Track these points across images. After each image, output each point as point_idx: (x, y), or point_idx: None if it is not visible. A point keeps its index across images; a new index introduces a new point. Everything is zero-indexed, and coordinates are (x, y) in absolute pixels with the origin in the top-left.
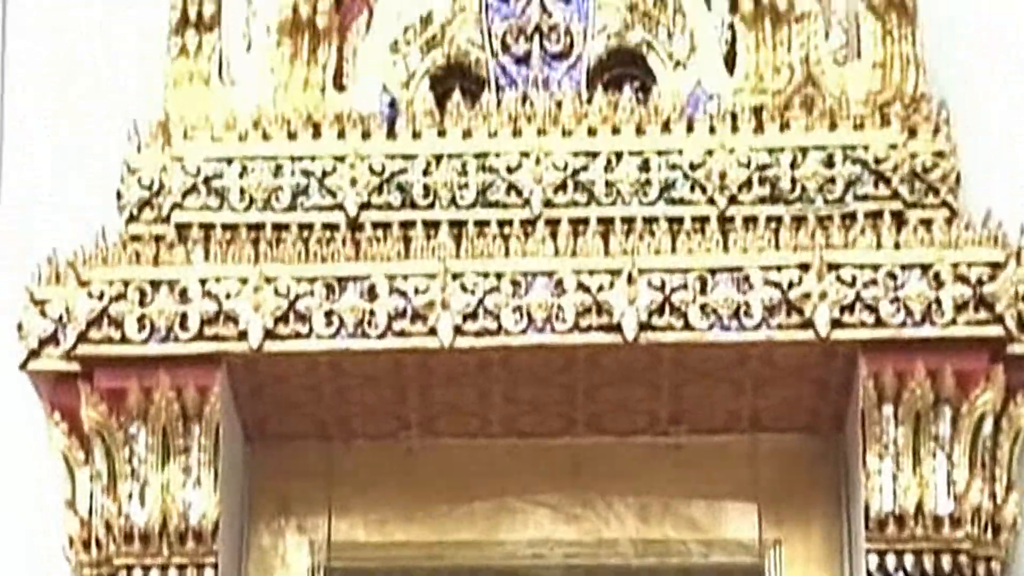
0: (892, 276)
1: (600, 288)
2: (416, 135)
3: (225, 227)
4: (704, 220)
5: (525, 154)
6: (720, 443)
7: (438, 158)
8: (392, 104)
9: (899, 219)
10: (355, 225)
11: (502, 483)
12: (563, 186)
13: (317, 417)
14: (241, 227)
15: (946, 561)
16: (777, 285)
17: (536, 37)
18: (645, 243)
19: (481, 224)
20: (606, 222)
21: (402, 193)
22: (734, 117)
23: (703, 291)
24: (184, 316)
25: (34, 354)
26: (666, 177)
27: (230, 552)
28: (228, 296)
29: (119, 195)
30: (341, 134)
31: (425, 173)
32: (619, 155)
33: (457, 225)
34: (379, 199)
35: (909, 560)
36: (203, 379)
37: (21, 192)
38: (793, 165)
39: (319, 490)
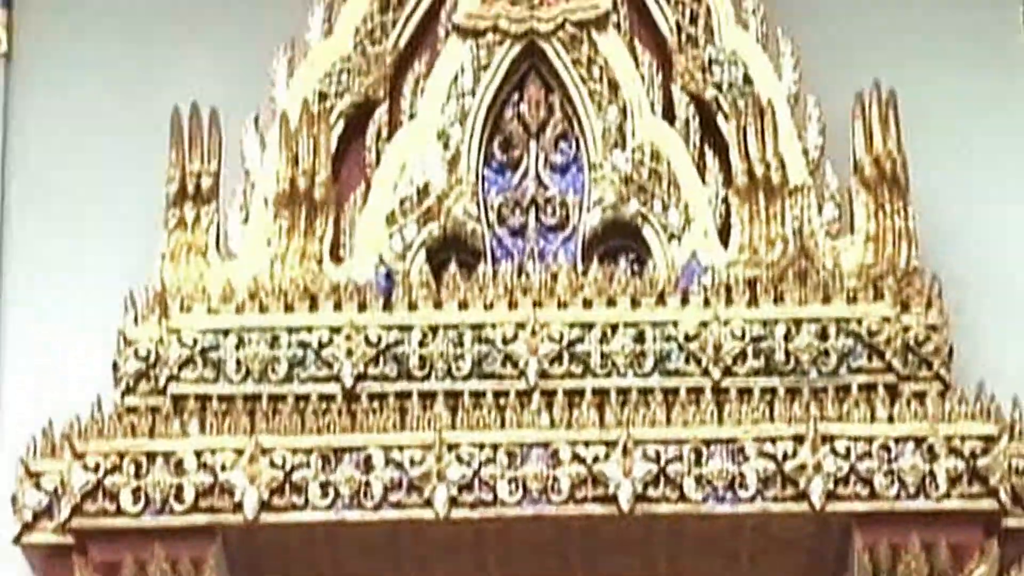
0: (886, 449)
1: (595, 459)
2: (412, 306)
3: (221, 398)
4: (699, 392)
5: (521, 325)
6: None
7: (434, 329)
8: (388, 276)
9: (893, 392)
10: (351, 396)
11: None
12: (559, 357)
13: None
14: (237, 398)
15: None
16: (772, 457)
17: (532, 209)
18: (640, 414)
19: (477, 395)
20: (601, 393)
21: (398, 364)
22: (728, 289)
23: (698, 463)
24: (179, 488)
25: (28, 527)
26: (661, 349)
27: None
28: (224, 468)
29: (115, 367)
30: (338, 306)
31: (421, 344)
32: (614, 327)
33: (453, 396)
34: (375, 370)
35: None
36: (198, 551)
37: (18, 363)
38: (787, 337)
39: None
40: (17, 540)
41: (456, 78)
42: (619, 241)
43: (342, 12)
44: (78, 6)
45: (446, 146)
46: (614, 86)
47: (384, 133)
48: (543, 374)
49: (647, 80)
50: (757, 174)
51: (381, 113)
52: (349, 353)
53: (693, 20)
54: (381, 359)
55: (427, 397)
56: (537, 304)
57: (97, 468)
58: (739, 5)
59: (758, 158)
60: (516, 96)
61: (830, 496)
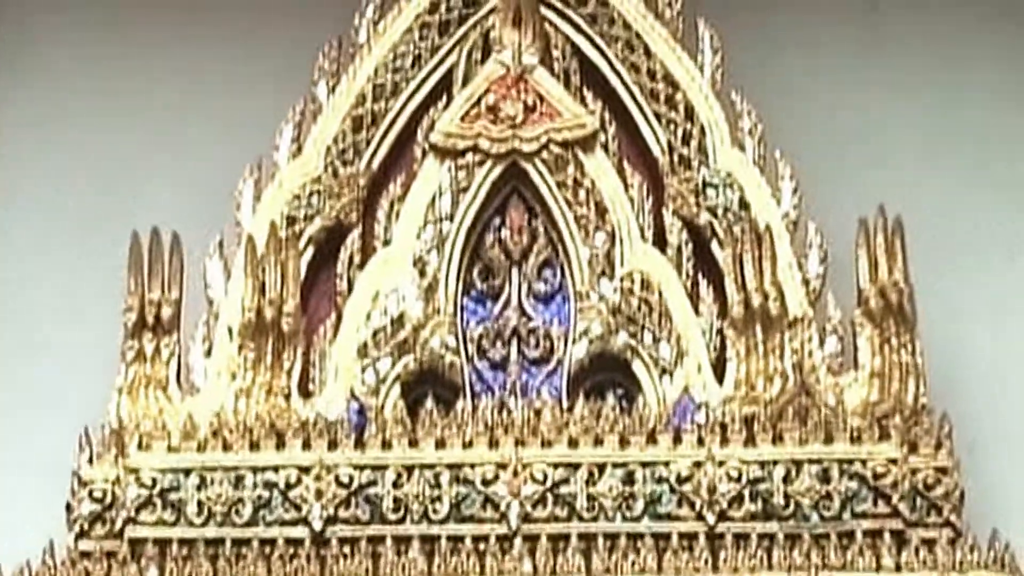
0: None
1: None
2: (386, 445)
3: (182, 543)
4: (692, 537)
5: (502, 466)
6: None
7: (409, 469)
8: (361, 411)
9: (900, 538)
10: (320, 541)
11: None
12: (542, 500)
13: None
14: (199, 543)
15: None
16: None
17: (514, 341)
18: (629, 561)
19: (455, 540)
20: (588, 539)
21: (371, 506)
22: (724, 428)
23: None
24: None
25: None
26: (652, 491)
27: None
28: None
29: (69, 508)
30: (306, 444)
31: (395, 485)
32: (602, 467)
33: (429, 541)
34: (346, 513)
35: None
36: None
37: None
38: (787, 480)
39: None
40: None
41: (433, 201)
42: (607, 375)
43: (312, 131)
44: (33, 122)
45: (422, 274)
46: (602, 210)
47: (356, 259)
48: (526, 517)
49: (637, 204)
50: (754, 305)
51: (353, 238)
52: (319, 494)
53: (686, 141)
54: (353, 501)
55: (402, 542)
56: (519, 443)
57: None
58: (735, 125)
59: (755, 288)
60: (497, 221)
61: None
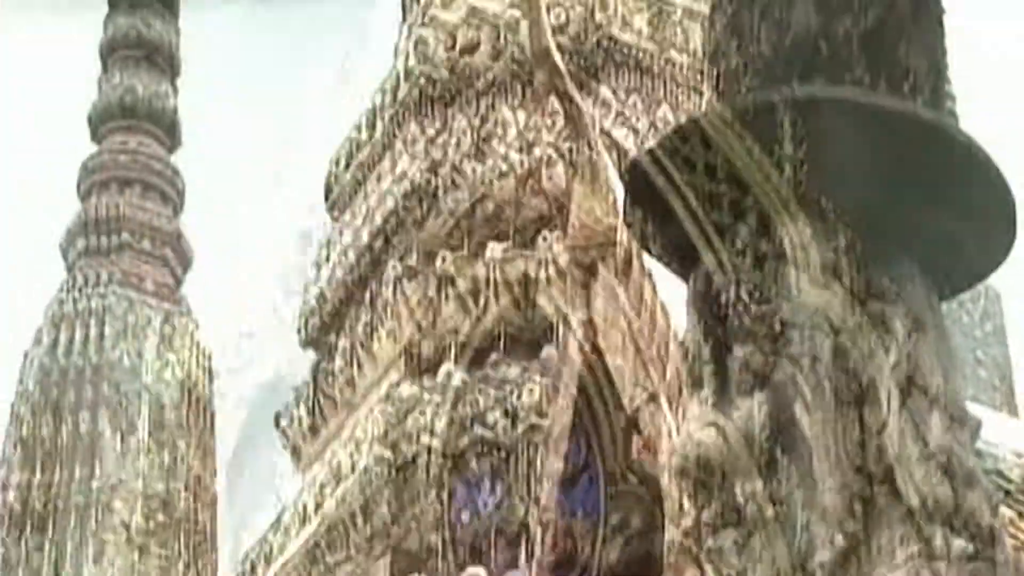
0: None
1: None
2: None
3: None
4: None
5: None
6: None
7: None
8: None
9: None
10: None
11: None
12: None
13: None
14: None
15: None
16: None
17: (522, 540)
18: None
19: None
20: None
21: None
22: None
23: None
24: None
25: None
26: None
27: None
28: None
29: None
30: None
31: None
32: None
33: None
34: None
35: None
36: None
37: None
38: None
39: None
40: None
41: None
42: None
43: None
44: None
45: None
46: (642, 359)
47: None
48: None
49: (692, 351)
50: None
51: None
52: None
53: (759, 264)
54: None
55: None
56: None
57: None
58: (825, 242)
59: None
60: None
61: None
